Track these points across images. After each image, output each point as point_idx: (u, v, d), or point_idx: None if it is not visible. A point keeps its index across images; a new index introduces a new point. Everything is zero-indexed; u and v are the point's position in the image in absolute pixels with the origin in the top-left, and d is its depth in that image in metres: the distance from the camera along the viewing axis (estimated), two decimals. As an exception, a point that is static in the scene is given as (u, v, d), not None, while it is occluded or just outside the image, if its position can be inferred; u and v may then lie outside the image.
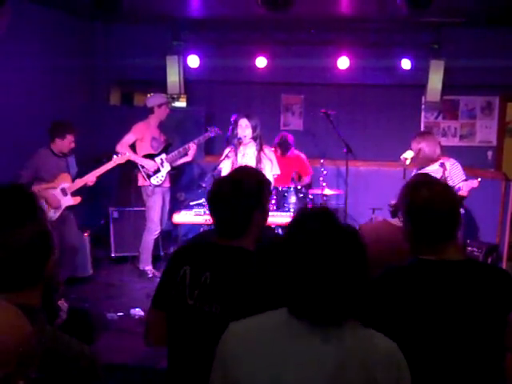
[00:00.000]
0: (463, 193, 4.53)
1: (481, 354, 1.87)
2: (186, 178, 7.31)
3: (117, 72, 7.54)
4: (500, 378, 1.91)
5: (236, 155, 5.22)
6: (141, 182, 5.99)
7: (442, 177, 4.42)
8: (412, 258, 1.98)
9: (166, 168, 5.98)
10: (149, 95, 6.71)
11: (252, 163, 5.09)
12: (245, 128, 5.13)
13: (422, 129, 7.47)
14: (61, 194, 5.40)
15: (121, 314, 4.94)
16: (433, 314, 1.85)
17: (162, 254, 6.66)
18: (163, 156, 5.98)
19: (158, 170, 5.95)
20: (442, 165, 4.63)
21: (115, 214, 6.57)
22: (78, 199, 5.52)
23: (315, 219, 1.51)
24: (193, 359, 1.97)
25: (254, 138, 5.18)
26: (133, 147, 5.97)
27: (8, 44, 5.42)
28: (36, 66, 5.99)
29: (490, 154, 7.46)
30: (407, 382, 1.46)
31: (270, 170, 5.21)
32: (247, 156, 5.22)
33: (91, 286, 5.75)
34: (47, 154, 5.35)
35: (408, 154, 4.90)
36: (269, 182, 2.21)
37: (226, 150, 5.29)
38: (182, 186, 7.24)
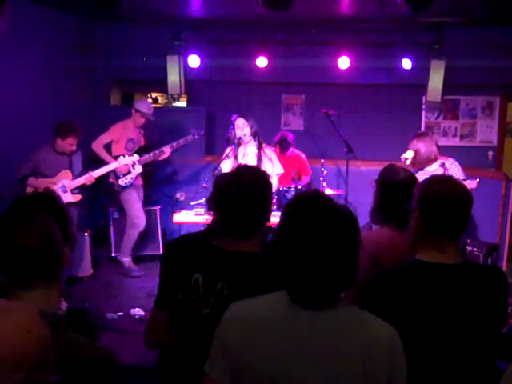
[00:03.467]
0: None
1: (474, 357, 1.88)
2: (186, 177, 7.31)
3: (117, 72, 7.54)
4: (493, 379, 1.92)
5: (236, 155, 5.22)
6: (111, 179, 6.04)
7: None
8: (410, 259, 1.99)
9: (138, 170, 6.01)
10: (150, 95, 6.71)
11: (253, 163, 5.10)
12: (243, 127, 5.15)
13: (423, 129, 7.47)
14: (60, 191, 5.43)
15: (121, 313, 4.93)
16: (427, 317, 1.85)
17: (161, 254, 6.64)
18: (135, 158, 5.98)
19: (128, 172, 5.99)
20: (443, 165, 4.64)
21: (115, 214, 6.56)
22: (78, 197, 5.56)
23: (309, 201, 1.51)
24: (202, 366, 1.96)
25: (253, 136, 5.20)
26: (109, 147, 6.04)
27: (8, 44, 5.42)
28: (36, 66, 5.99)
29: (490, 153, 7.45)
30: (402, 367, 1.47)
31: (272, 169, 5.21)
32: (248, 156, 5.23)
33: (91, 286, 5.75)
34: (49, 150, 5.43)
35: (408, 154, 4.89)
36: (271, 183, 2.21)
37: (227, 150, 5.30)
38: (182, 185, 7.25)
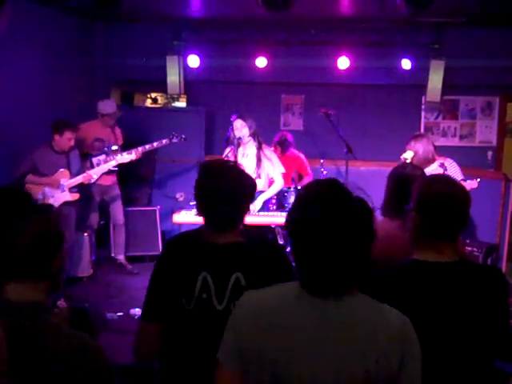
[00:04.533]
0: None
1: (472, 356, 1.87)
2: (185, 178, 7.31)
3: (117, 72, 7.54)
4: (493, 378, 1.92)
5: (236, 155, 5.23)
6: None
7: None
8: (407, 259, 1.99)
9: (102, 169, 5.86)
10: (150, 95, 6.70)
11: (253, 163, 5.11)
12: (241, 128, 5.15)
13: (422, 129, 7.47)
14: (58, 190, 5.45)
15: (121, 313, 4.94)
16: (425, 317, 1.85)
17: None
18: (102, 157, 5.87)
19: (91, 168, 5.85)
20: (442, 165, 4.64)
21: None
22: (76, 195, 5.55)
23: (324, 190, 1.51)
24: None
25: (252, 136, 5.20)
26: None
27: (8, 44, 5.42)
28: (36, 65, 5.99)
29: (490, 154, 7.46)
30: (415, 356, 1.47)
31: (273, 169, 5.22)
32: (248, 156, 5.23)
33: (91, 286, 5.75)
34: (47, 150, 5.41)
35: (408, 154, 4.89)
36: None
37: (226, 150, 5.30)
38: (181, 185, 7.25)
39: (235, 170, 2.13)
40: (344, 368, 1.41)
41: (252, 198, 2.16)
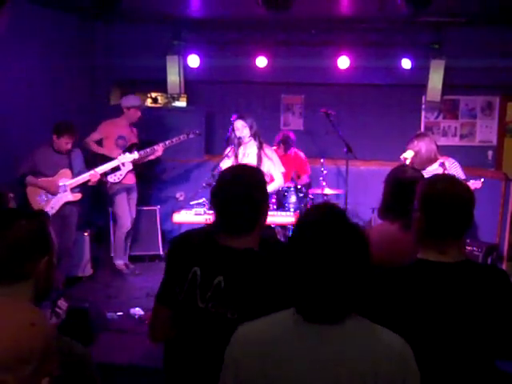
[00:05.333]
0: None
1: (476, 356, 1.87)
2: (186, 177, 7.32)
3: (117, 72, 7.54)
4: (496, 379, 1.92)
5: (237, 154, 5.25)
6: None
7: None
8: (412, 259, 1.99)
9: (127, 167, 5.97)
10: (150, 95, 6.71)
11: (254, 162, 5.14)
12: (242, 128, 5.20)
13: (423, 128, 7.47)
14: (60, 190, 5.43)
15: (121, 313, 4.93)
16: (429, 316, 1.85)
17: (161, 253, 6.66)
18: (127, 155, 5.95)
19: (117, 169, 5.95)
20: (442, 164, 4.64)
21: (115, 214, 6.55)
22: (78, 196, 5.54)
23: (321, 216, 1.52)
24: (200, 361, 1.96)
25: (253, 136, 5.23)
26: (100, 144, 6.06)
27: (8, 44, 5.42)
28: (36, 65, 5.99)
29: (490, 153, 7.45)
30: (415, 378, 1.46)
31: (274, 168, 5.24)
32: (249, 156, 5.26)
33: (91, 286, 5.75)
34: (48, 150, 5.39)
35: (408, 154, 4.89)
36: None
37: (227, 150, 5.32)
38: (182, 185, 7.25)
39: (246, 175, 2.10)
40: None
41: (263, 204, 2.09)
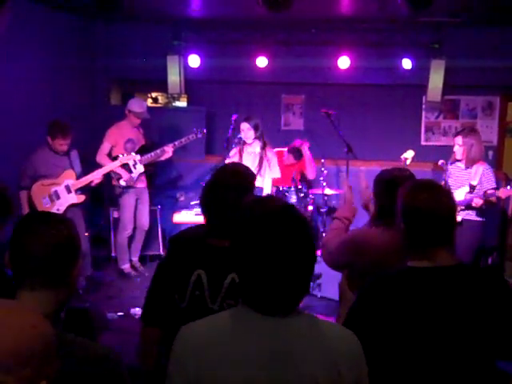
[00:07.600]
0: (493, 198, 4.50)
1: (475, 358, 1.86)
2: (186, 177, 7.32)
3: (117, 72, 7.54)
4: (495, 380, 1.91)
5: (241, 155, 5.32)
6: (114, 181, 6.00)
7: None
8: (401, 266, 1.96)
9: (139, 169, 5.93)
10: (150, 95, 6.69)
11: (256, 161, 5.20)
12: (247, 131, 5.30)
13: (423, 128, 7.46)
14: (65, 191, 5.38)
15: (121, 313, 4.94)
16: (422, 322, 1.83)
17: (162, 253, 6.66)
18: (137, 157, 5.91)
19: (129, 172, 5.92)
20: (472, 187, 4.61)
21: (115, 214, 6.56)
22: (82, 197, 5.47)
23: (266, 211, 1.48)
24: None
25: (258, 138, 5.31)
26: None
27: (8, 44, 5.41)
28: (36, 65, 5.99)
29: (490, 153, 7.45)
30: (365, 370, 1.48)
31: (269, 171, 5.30)
32: (252, 155, 5.32)
33: (91, 286, 5.74)
34: (45, 152, 5.30)
35: (408, 154, 4.90)
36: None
37: (232, 151, 5.41)
38: (182, 185, 7.26)
39: (239, 173, 2.12)
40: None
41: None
